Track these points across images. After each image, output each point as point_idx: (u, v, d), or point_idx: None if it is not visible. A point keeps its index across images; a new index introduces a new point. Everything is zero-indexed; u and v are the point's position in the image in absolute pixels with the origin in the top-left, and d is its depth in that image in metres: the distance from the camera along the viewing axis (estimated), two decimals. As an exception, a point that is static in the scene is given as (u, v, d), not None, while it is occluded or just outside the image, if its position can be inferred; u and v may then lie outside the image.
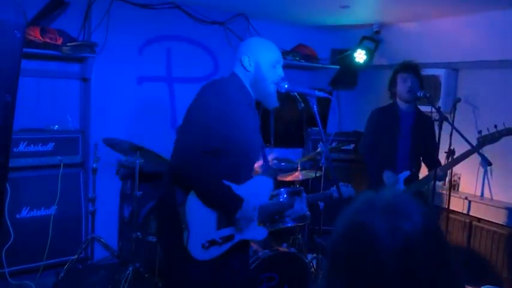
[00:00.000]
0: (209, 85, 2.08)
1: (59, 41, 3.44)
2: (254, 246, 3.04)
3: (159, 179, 3.73)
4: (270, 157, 2.48)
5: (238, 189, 2.11)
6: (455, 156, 3.08)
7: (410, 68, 3.18)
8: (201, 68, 4.17)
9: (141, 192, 3.42)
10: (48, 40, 3.39)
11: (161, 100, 4.07)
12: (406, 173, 3.16)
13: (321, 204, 3.51)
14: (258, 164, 2.38)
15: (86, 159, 3.79)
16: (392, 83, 3.25)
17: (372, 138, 3.32)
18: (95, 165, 3.69)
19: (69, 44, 3.49)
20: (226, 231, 2.11)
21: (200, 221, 2.02)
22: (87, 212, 3.74)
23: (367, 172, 3.47)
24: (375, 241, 0.80)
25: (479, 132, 2.98)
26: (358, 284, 0.80)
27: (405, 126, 3.24)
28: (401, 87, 3.17)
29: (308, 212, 2.36)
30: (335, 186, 2.30)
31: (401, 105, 3.25)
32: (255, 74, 2.11)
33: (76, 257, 3.56)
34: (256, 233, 2.23)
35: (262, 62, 2.11)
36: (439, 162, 3.19)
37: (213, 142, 1.99)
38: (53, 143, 3.55)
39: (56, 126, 3.70)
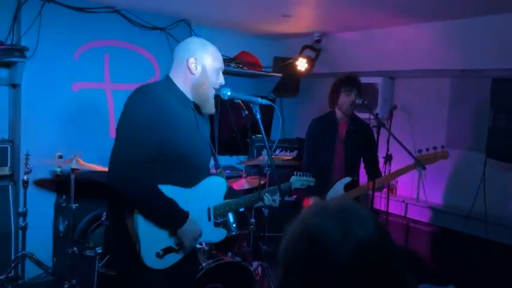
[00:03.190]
0: (136, 91, 1.99)
1: (-16, 44, 3.20)
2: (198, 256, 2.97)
3: (96, 191, 3.58)
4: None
5: (189, 192, 2.05)
6: (392, 171, 3.23)
7: (354, 83, 3.29)
8: (140, 74, 4.04)
9: (77, 205, 3.25)
10: (-29, 43, 3.14)
11: (98, 107, 3.90)
12: (347, 179, 3.25)
13: (265, 211, 3.52)
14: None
15: (16, 171, 3.54)
16: (335, 93, 3.32)
17: (312, 148, 3.37)
18: (25, 177, 3.45)
19: (-5, 47, 3.26)
20: None
21: (151, 231, 1.95)
22: (17, 227, 3.48)
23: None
24: (329, 244, 0.81)
25: (419, 151, 3.12)
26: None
27: (341, 132, 3.34)
28: (344, 100, 3.26)
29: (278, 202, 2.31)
30: (278, 192, 2.29)
31: (339, 113, 3.35)
32: (199, 78, 2.05)
33: (5, 276, 3.30)
34: (214, 234, 2.18)
35: (209, 67, 2.06)
36: (380, 172, 3.33)
37: (148, 149, 1.90)
38: (-22, 154, 3.29)
39: (-19, 135, 3.43)
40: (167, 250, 1.99)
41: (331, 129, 3.34)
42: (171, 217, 1.97)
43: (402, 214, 4.22)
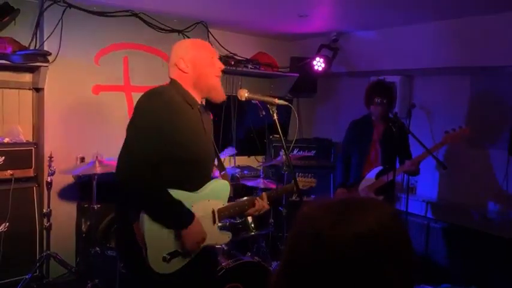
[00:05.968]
0: (146, 93, 2.02)
1: (8, 50, 3.29)
2: (218, 256, 3.00)
3: (117, 192, 3.63)
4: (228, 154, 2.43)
5: (194, 195, 2.05)
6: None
7: (386, 93, 3.41)
8: (159, 77, 4.08)
9: (99, 206, 3.31)
10: (-4, 48, 3.23)
11: (119, 110, 3.96)
12: (378, 168, 3.39)
13: (284, 210, 3.53)
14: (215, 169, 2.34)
15: (40, 173, 3.62)
16: (368, 98, 3.45)
17: (346, 149, 3.65)
18: (49, 179, 3.53)
19: (19, 52, 3.34)
20: None
21: (157, 235, 1.94)
22: (41, 227, 3.57)
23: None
24: (305, 235, 0.81)
25: (446, 132, 3.18)
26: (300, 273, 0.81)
27: (378, 133, 3.48)
28: (375, 109, 3.41)
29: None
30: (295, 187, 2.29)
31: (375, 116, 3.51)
32: (194, 74, 2.08)
33: (30, 276, 3.38)
34: (219, 238, 2.19)
35: (198, 59, 2.08)
36: None
37: (156, 152, 1.91)
38: (4, 157, 3.37)
39: (6, 138, 3.52)
40: (173, 254, 1.98)
41: (366, 132, 3.52)
42: (178, 216, 1.96)
43: (422, 214, 4.17)
